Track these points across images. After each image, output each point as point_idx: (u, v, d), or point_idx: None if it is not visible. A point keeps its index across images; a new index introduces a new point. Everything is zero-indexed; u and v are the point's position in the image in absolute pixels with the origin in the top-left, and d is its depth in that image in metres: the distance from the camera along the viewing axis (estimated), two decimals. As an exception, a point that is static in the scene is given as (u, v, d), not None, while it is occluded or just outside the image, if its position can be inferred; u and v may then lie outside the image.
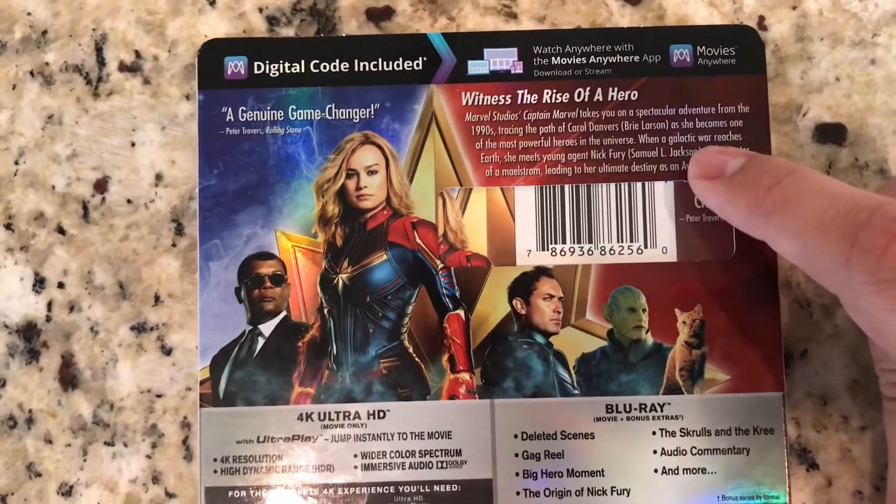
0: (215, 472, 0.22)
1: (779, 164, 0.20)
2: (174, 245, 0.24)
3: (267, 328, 0.23)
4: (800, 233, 0.19)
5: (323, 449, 0.22)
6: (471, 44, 0.23)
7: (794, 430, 0.23)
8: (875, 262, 0.17)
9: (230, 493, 0.22)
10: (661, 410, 0.22)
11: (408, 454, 0.22)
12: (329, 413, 0.22)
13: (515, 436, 0.22)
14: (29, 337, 0.24)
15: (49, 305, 0.24)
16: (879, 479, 0.23)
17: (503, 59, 0.23)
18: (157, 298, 0.24)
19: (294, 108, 0.23)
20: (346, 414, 0.22)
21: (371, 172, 0.23)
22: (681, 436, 0.22)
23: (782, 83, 0.24)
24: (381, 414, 0.22)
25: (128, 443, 0.24)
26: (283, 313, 0.23)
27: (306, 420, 0.22)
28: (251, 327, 0.23)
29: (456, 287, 0.23)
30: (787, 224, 0.19)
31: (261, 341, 0.23)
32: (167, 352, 0.24)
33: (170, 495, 0.24)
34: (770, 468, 0.22)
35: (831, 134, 0.24)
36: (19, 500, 0.24)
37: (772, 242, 0.20)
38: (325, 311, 0.23)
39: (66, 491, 0.24)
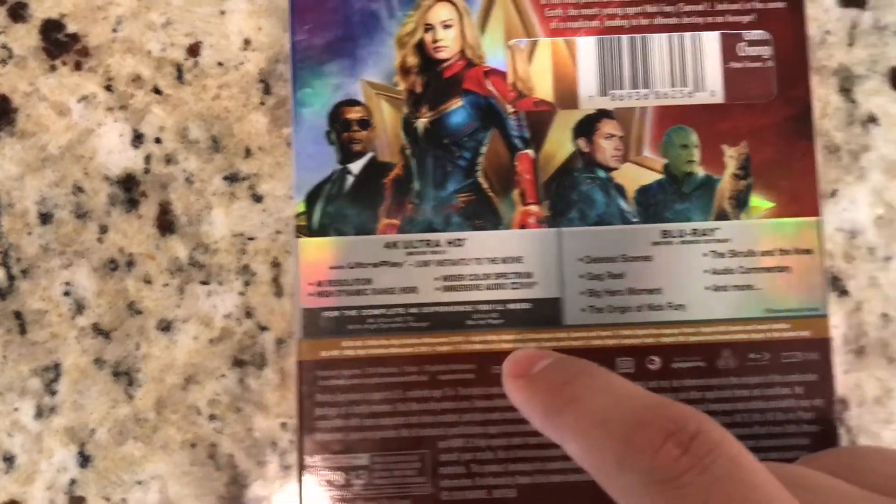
0: (310, 294, 0.24)
1: (576, 364, 0.20)
2: (262, 103, 0.26)
3: (356, 167, 0.25)
4: (583, 430, 0.18)
5: (408, 273, 0.24)
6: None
7: (826, 261, 0.26)
8: (647, 461, 0.16)
9: (324, 313, 0.24)
10: (712, 234, 0.25)
11: (484, 277, 0.24)
12: (412, 242, 0.25)
13: (580, 259, 0.25)
14: (128, 187, 0.26)
15: (147, 159, 0.26)
16: (904, 303, 0.26)
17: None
18: (247, 151, 0.26)
19: (375, -29, 0.25)
20: (428, 242, 0.25)
21: (446, 26, 0.25)
22: (729, 257, 0.25)
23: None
24: (459, 242, 0.25)
25: (222, 282, 0.26)
26: (371, 153, 0.25)
27: (392, 248, 0.25)
28: (341, 167, 0.25)
29: (525, 129, 0.25)
30: (574, 421, 0.18)
31: (350, 179, 0.25)
32: (258, 199, 0.26)
33: (262, 328, 0.26)
34: (810, 284, 0.25)
35: (855, -2, 0.27)
36: (122, 336, 0.26)
37: (562, 443, 0.19)
38: (408, 152, 0.25)
39: (165, 326, 0.26)
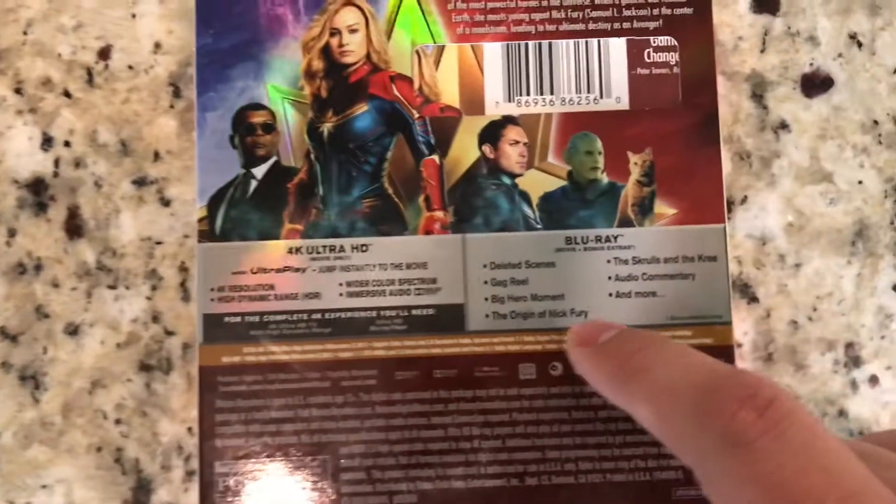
0: (212, 300, 0.24)
1: (645, 335, 0.21)
2: (172, 107, 0.26)
3: (259, 171, 0.25)
4: (653, 397, 0.18)
5: (311, 279, 0.24)
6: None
7: (736, 268, 0.26)
8: (723, 424, 0.16)
9: (226, 319, 0.24)
10: (615, 241, 0.25)
11: (388, 283, 0.24)
12: (317, 247, 0.25)
13: (484, 265, 0.25)
14: (37, 191, 0.26)
15: (56, 162, 0.26)
16: (812, 309, 0.26)
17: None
18: (156, 155, 0.26)
19: (282, -25, 0.25)
20: (332, 248, 0.25)
21: (352, 31, 0.25)
22: (633, 263, 0.25)
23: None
24: (364, 248, 0.25)
25: (129, 286, 0.26)
26: (274, 158, 0.25)
27: (296, 253, 0.24)
28: (244, 171, 0.25)
29: (431, 134, 0.25)
30: (644, 389, 0.19)
31: (253, 183, 0.25)
32: (166, 203, 0.26)
33: (169, 333, 0.26)
34: (714, 291, 0.25)
35: (767, 4, 0.27)
36: (29, 339, 0.26)
37: (631, 410, 0.20)
38: (312, 156, 0.25)
39: (72, 330, 0.26)
